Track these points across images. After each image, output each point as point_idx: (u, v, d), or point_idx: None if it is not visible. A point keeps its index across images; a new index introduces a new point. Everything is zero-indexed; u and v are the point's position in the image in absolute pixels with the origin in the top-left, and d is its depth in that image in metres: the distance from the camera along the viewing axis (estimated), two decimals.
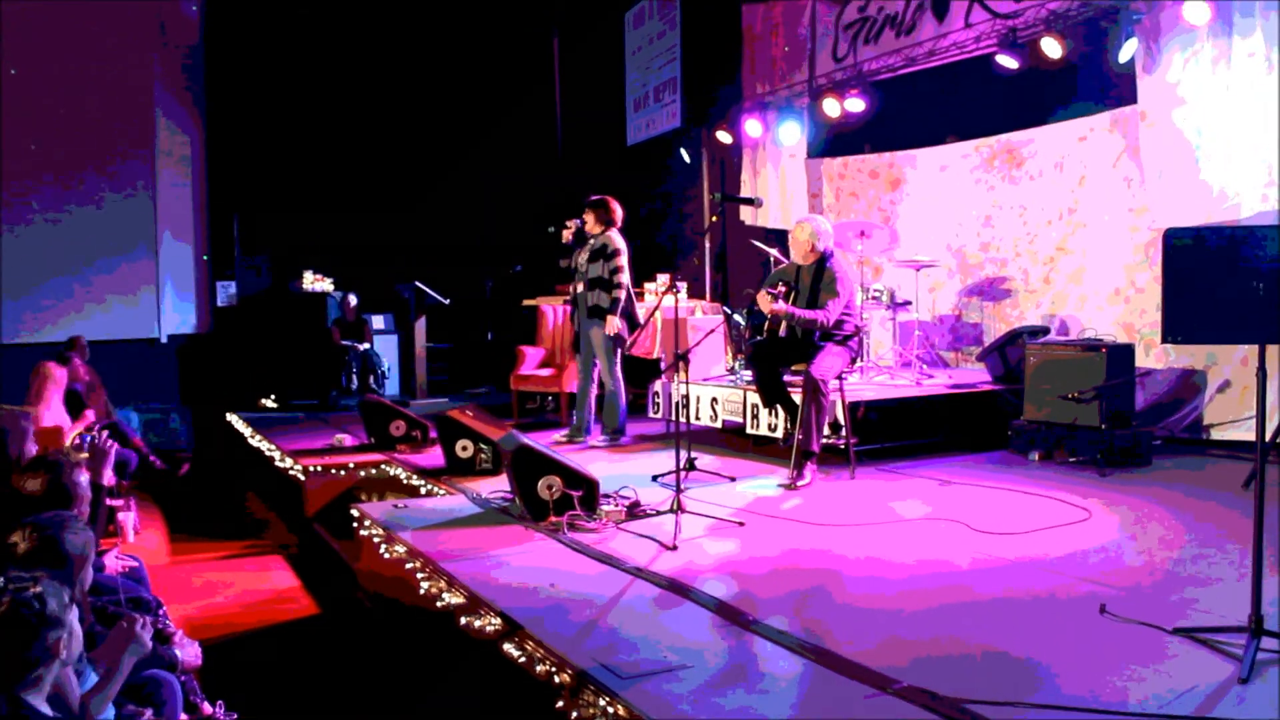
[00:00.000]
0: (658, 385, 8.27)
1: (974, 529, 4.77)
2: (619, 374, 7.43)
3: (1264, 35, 6.33)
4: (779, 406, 6.54)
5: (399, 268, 12.29)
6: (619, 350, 7.40)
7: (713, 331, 7.84)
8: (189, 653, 3.48)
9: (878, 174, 9.74)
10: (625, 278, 7.32)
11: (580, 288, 7.43)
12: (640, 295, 9.63)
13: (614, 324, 7.25)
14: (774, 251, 8.03)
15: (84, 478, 3.61)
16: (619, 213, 7.44)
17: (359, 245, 12.88)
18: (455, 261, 13.09)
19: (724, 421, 7.52)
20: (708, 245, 11.02)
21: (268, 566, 6.35)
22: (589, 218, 7.42)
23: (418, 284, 11.09)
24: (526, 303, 10.12)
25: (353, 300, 11.82)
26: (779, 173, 10.26)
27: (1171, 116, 6.83)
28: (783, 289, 6.24)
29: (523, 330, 10.47)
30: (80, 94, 11.42)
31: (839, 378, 6.28)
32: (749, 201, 7.47)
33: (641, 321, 7.51)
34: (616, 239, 7.36)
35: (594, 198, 7.47)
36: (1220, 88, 6.56)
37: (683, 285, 9.49)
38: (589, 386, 7.56)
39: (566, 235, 7.54)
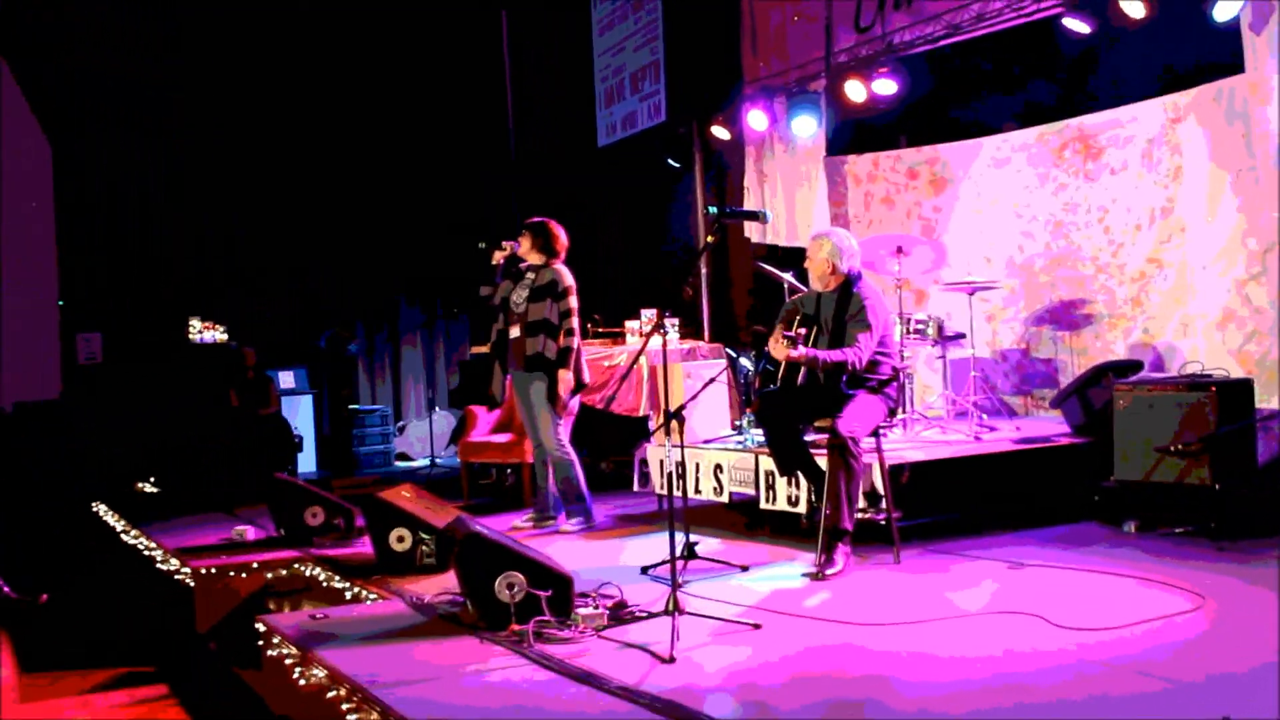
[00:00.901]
0: (646, 450, 8.26)
1: (1055, 624, 4.75)
2: (563, 436, 7.47)
3: None
4: (800, 474, 6.54)
5: (312, 311, 12.29)
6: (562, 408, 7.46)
7: (713, 380, 7.85)
8: None
9: (917, 173, 9.84)
10: (577, 323, 7.43)
11: (516, 330, 7.49)
12: (620, 337, 9.67)
13: (567, 380, 7.33)
14: (788, 276, 8.07)
15: None
16: (563, 240, 7.55)
17: (259, 283, 12.89)
18: (382, 299, 13.11)
19: (731, 495, 7.51)
20: (704, 270, 11.05)
21: (148, 699, 6.29)
22: (525, 242, 7.51)
23: (337, 331, 11.11)
24: (476, 350, 10.14)
25: (251, 353, 11.79)
26: (791, 176, 10.33)
27: None
28: (801, 331, 6.26)
29: (473, 385, 10.45)
30: None
31: (875, 434, 6.30)
32: (753, 216, 7.48)
33: (587, 380, 7.59)
34: (567, 275, 7.46)
35: (533, 220, 7.59)
36: None
37: (674, 322, 9.58)
38: (546, 456, 7.58)
39: (498, 257, 7.59)
